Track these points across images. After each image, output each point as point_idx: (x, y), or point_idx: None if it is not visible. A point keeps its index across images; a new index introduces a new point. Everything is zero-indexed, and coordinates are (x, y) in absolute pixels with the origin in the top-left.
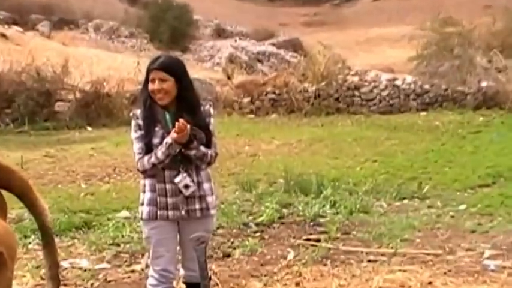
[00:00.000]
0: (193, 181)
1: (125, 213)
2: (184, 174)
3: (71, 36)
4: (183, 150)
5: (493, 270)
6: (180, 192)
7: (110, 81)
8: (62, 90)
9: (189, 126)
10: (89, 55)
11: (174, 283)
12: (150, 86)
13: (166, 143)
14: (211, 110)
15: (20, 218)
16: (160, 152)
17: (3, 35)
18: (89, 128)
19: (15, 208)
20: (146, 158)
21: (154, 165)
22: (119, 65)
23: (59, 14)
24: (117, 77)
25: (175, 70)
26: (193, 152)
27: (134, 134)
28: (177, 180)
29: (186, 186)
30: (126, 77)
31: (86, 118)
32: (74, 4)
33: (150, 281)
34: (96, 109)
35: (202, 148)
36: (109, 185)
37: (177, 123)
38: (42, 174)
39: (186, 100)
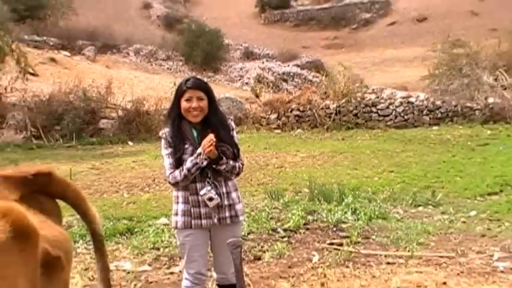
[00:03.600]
0: (218, 193)
1: (163, 220)
2: (209, 188)
3: (114, 59)
4: (214, 165)
5: (502, 271)
6: (206, 204)
7: (149, 100)
8: (106, 109)
9: (213, 139)
10: (129, 77)
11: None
12: (187, 104)
13: (196, 154)
14: (233, 125)
15: (69, 225)
16: (189, 161)
17: (53, 59)
18: (130, 143)
19: (65, 216)
20: (177, 171)
21: (185, 176)
22: (156, 85)
23: (103, 40)
24: (155, 96)
25: (209, 90)
26: (223, 167)
27: (165, 151)
28: (201, 193)
29: (210, 199)
30: (163, 96)
31: (128, 134)
32: (116, 30)
33: (185, 283)
34: (137, 125)
35: (231, 162)
36: (149, 194)
37: (206, 138)
38: (89, 184)
39: (216, 117)
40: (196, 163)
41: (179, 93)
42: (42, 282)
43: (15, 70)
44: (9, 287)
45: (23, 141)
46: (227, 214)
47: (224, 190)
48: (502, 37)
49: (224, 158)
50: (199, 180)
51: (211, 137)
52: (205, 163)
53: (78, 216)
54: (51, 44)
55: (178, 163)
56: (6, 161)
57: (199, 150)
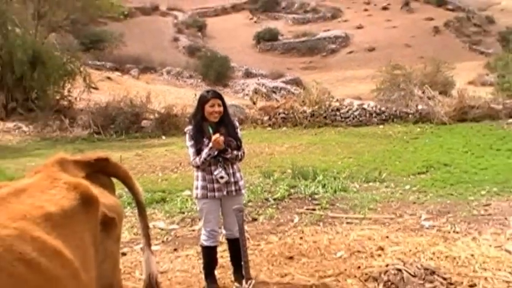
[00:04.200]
0: (227, 173)
1: (187, 192)
2: (220, 169)
3: (152, 77)
4: (222, 154)
5: (427, 228)
6: (218, 181)
7: (177, 107)
8: (146, 113)
9: (222, 137)
10: (163, 90)
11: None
12: (211, 109)
13: (208, 147)
14: (238, 124)
15: (120, 195)
16: (204, 152)
17: (109, 78)
18: (164, 137)
19: (117, 189)
20: (197, 158)
21: (203, 162)
22: (182, 96)
23: (144, 63)
24: (182, 103)
25: (224, 99)
26: (228, 156)
27: (189, 143)
28: (215, 173)
29: (221, 177)
30: (187, 104)
31: (162, 130)
32: (154, 57)
33: (203, 237)
34: (168, 124)
35: (235, 152)
36: (177, 174)
37: (214, 136)
38: (134, 167)
39: (226, 118)
40: (210, 154)
41: (204, 101)
42: (101, 236)
43: (82, 85)
44: (79, 239)
45: (88, 136)
46: (233, 188)
47: (231, 171)
48: (427, 63)
49: (229, 150)
50: (213, 164)
51: (215, 136)
52: (216, 153)
53: (127, 189)
54: (107, 66)
55: (198, 152)
56: (76, 150)
57: (210, 144)
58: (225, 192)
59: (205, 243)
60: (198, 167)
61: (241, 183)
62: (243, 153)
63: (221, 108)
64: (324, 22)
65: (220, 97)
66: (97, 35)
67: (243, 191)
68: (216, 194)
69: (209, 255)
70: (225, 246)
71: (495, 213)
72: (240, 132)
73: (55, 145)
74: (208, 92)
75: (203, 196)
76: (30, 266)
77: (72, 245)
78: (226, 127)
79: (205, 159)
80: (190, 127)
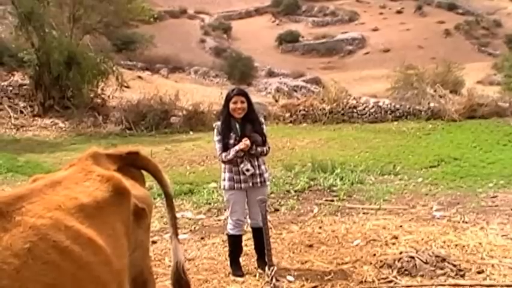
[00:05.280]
0: (253, 166)
1: (213, 184)
2: (246, 162)
3: (180, 77)
4: (248, 150)
5: (438, 218)
6: (244, 173)
7: (203, 104)
8: (174, 110)
9: (248, 143)
10: (191, 88)
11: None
12: (233, 106)
13: (235, 150)
14: (263, 120)
15: (150, 187)
16: (232, 152)
17: (140, 77)
18: (191, 133)
19: (147, 181)
20: (224, 154)
21: (229, 160)
22: (209, 94)
23: (173, 63)
24: (208, 101)
25: (248, 96)
26: (253, 152)
27: (216, 137)
28: (241, 166)
29: (247, 170)
30: (213, 101)
31: (189, 126)
32: (182, 57)
33: (229, 226)
34: (196, 121)
35: (259, 148)
36: (204, 167)
37: (241, 143)
38: (163, 160)
39: (251, 115)
40: (237, 156)
41: (228, 98)
42: (132, 226)
43: (115, 84)
44: (111, 228)
45: (120, 132)
46: (258, 180)
47: (256, 164)
48: (439, 63)
49: (254, 146)
50: (240, 157)
51: (246, 143)
52: (242, 154)
53: (156, 182)
54: (138, 66)
55: (225, 147)
56: (109, 145)
57: (237, 147)
58: (250, 184)
59: (232, 232)
60: (224, 162)
61: (266, 175)
62: (268, 148)
63: (244, 105)
64: (342, 25)
65: (243, 94)
66: (129, 37)
67: (267, 183)
68: (242, 185)
69: (235, 243)
70: (248, 235)
71: (502, 204)
72: (265, 128)
73: (89, 140)
74: (233, 90)
75: (230, 187)
76: (64, 254)
77: (104, 234)
78: (252, 123)
79: (232, 158)
80: (218, 123)
